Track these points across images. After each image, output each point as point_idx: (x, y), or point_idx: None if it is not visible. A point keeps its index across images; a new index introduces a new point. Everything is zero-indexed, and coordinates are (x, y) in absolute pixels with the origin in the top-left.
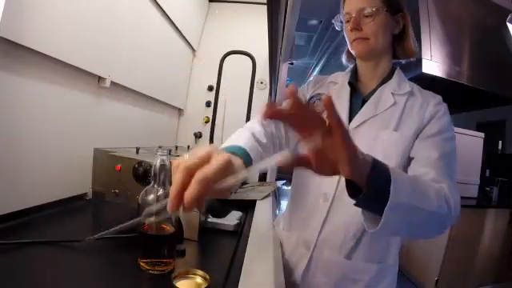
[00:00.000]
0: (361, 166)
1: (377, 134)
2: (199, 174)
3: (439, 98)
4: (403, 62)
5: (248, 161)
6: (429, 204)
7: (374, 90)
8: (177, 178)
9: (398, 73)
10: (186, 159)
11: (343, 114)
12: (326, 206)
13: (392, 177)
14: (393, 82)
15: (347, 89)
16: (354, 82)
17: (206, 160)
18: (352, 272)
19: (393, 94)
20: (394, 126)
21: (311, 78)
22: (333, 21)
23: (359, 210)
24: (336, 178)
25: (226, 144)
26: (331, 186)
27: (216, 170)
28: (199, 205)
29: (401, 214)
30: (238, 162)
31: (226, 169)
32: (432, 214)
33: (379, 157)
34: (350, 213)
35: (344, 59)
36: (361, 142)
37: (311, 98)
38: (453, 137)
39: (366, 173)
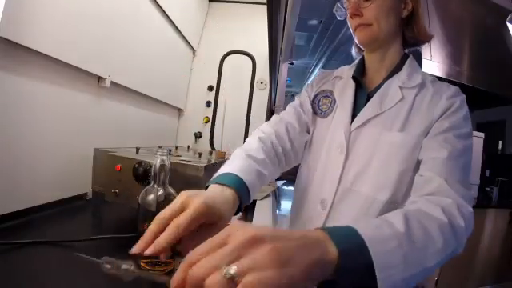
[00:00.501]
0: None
1: (380, 136)
2: (172, 224)
3: (455, 89)
4: (419, 48)
5: (241, 186)
6: (432, 253)
7: (381, 84)
8: (150, 228)
9: (409, 62)
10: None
11: (346, 113)
12: (324, 215)
13: (374, 262)
14: (402, 74)
15: (352, 84)
16: (358, 76)
17: (180, 210)
18: None
19: (401, 87)
20: (399, 126)
21: (316, 74)
22: (333, 10)
23: (354, 219)
24: (335, 182)
25: (220, 171)
26: (330, 191)
27: (189, 217)
28: (165, 250)
29: (402, 283)
30: (227, 192)
31: (202, 213)
32: (438, 256)
33: (379, 163)
34: (346, 222)
35: (353, 51)
36: (362, 146)
37: (316, 95)
38: (468, 133)
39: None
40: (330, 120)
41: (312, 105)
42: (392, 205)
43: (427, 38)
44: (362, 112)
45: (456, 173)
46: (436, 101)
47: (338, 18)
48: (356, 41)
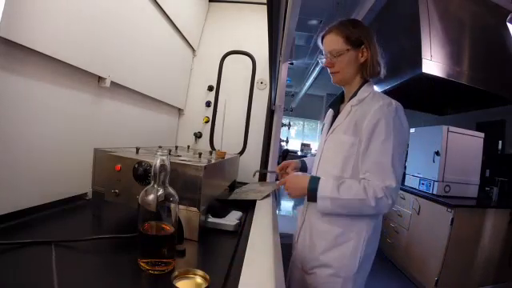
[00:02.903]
0: (297, 190)
1: (336, 137)
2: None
3: (383, 102)
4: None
5: (303, 163)
6: (347, 194)
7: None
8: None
9: (365, 87)
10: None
11: (326, 128)
12: (305, 208)
13: (319, 186)
14: (356, 97)
15: (331, 111)
16: (333, 104)
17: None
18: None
19: (352, 106)
20: (344, 130)
21: (316, 73)
22: (318, 59)
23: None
24: (316, 167)
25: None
26: (314, 170)
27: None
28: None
29: (327, 201)
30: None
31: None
32: (351, 195)
33: (334, 153)
34: (318, 216)
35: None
36: (329, 145)
37: (324, 124)
38: (387, 138)
39: (304, 192)
40: (323, 135)
41: (322, 130)
42: (341, 178)
43: (377, 75)
44: (333, 125)
45: (374, 171)
46: (367, 113)
47: (321, 64)
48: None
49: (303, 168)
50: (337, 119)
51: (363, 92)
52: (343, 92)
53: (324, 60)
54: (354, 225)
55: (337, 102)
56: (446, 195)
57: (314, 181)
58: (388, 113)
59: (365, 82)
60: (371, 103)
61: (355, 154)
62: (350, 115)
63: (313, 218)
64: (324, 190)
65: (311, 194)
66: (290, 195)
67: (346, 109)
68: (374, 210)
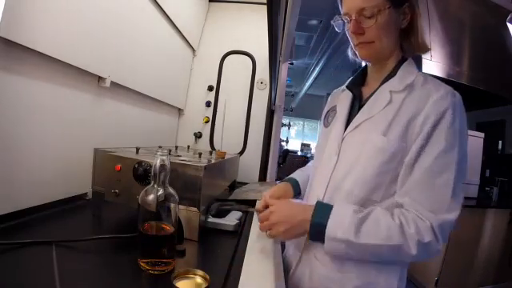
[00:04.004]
0: (291, 225)
1: (366, 139)
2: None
3: (445, 90)
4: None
5: (293, 181)
6: (373, 236)
7: (376, 90)
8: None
9: (405, 65)
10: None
11: (340, 121)
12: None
13: (330, 220)
14: (395, 79)
15: (349, 95)
16: (354, 86)
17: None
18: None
19: (391, 91)
20: (383, 129)
21: (316, 73)
22: (332, 22)
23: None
24: (326, 181)
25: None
26: (322, 189)
27: (263, 200)
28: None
29: (341, 245)
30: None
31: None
32: (378, 241)
33: (362, 164)
34: (323, 256)
35: (350, 53)
36: (351, 149)
37: (327, 112)
38: (450, 148)
39: (304, 227)
40: (331, 129)
41: (323, 121)
42: (369, 202)
43: (423, 51)
44: (354, 118)
45: (423, 196)
46: (421, 104)
47: (337, 29)
48: (358, 55)
49: (296, 190)
50: (364, 109)
51: (407, 73)
52: (365, 69)
53: (345, 23)
54: (381, 274)
55: (358, 83)
56: None
57: (322, 210)
58: (454, 108)
59: (403, 59)
60: (424, 91)
61: (395, 167)
62: (392, 106)
63: (314, 259)
64: (337, 227)
65: (316, 231)
66: (277, 232)
67: (381, 95)
68: (415, 258)
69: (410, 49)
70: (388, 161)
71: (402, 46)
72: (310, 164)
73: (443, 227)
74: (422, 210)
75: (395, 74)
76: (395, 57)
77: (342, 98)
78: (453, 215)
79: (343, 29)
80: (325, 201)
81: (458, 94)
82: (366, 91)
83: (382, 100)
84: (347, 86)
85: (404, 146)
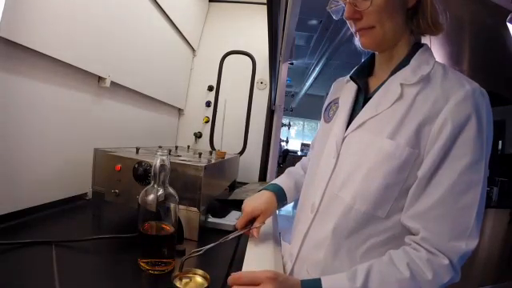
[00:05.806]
0: None
1: (371, 141)
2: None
3: (471, 87)
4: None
5: (278, 189)
6: None
7: (384, 83)
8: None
9: (420, 53)
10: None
11: (342, 117)
12: (310, 218)
13: None
14: (407, 69)
15: (353, 87)
16: (359, 77)
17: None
18: None
19: (402, 84)
20: (390, 131)
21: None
22: (327, 8)
23: (335, 225)
24: (323, 187)
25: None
26: (318, 195)
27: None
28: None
29: None
30: (266, 195)
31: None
32: None
33: (364, 172)
34: (328, 227)
35: (356, 42)
36: (352, 151)
37: (328, 104)
38: (477, 161)
39: None
40: (332, 124)
41: (324, 114)
42: (372, 217)
43: (435, 32)
44: (358, 115)
45: (441, 222)
46: (439, 105)
47: (334, 17)
48: (359, 44)
49: (281, 200)
50: (370, 104)
51: (422, 62)
52: (373, 57)
53: (341, 7)
54: None
55: (364, 73)
56: None
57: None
58: (480, 111)
59: (417, 46)
60: (444, 87)
61: (405, 178)
62: (403, 103)
63: (306, 272)
64: None
65: None
66: None
67: (390, 88)
68: None
69: (418, 30)
70: (397, 170)
71: (412, 28)
72: (304, 160)
73: (463, 258)
74: (438, 244)
75: (408, 63)
76: (405, 42)
77: (345, 90)
78: (474, 244)
79: (342, 15)
80: (321, 213)
81: (486, 93)
82: (373, 83)
83: (390, 94)
84: (351, 77)
85: (417, 153)
